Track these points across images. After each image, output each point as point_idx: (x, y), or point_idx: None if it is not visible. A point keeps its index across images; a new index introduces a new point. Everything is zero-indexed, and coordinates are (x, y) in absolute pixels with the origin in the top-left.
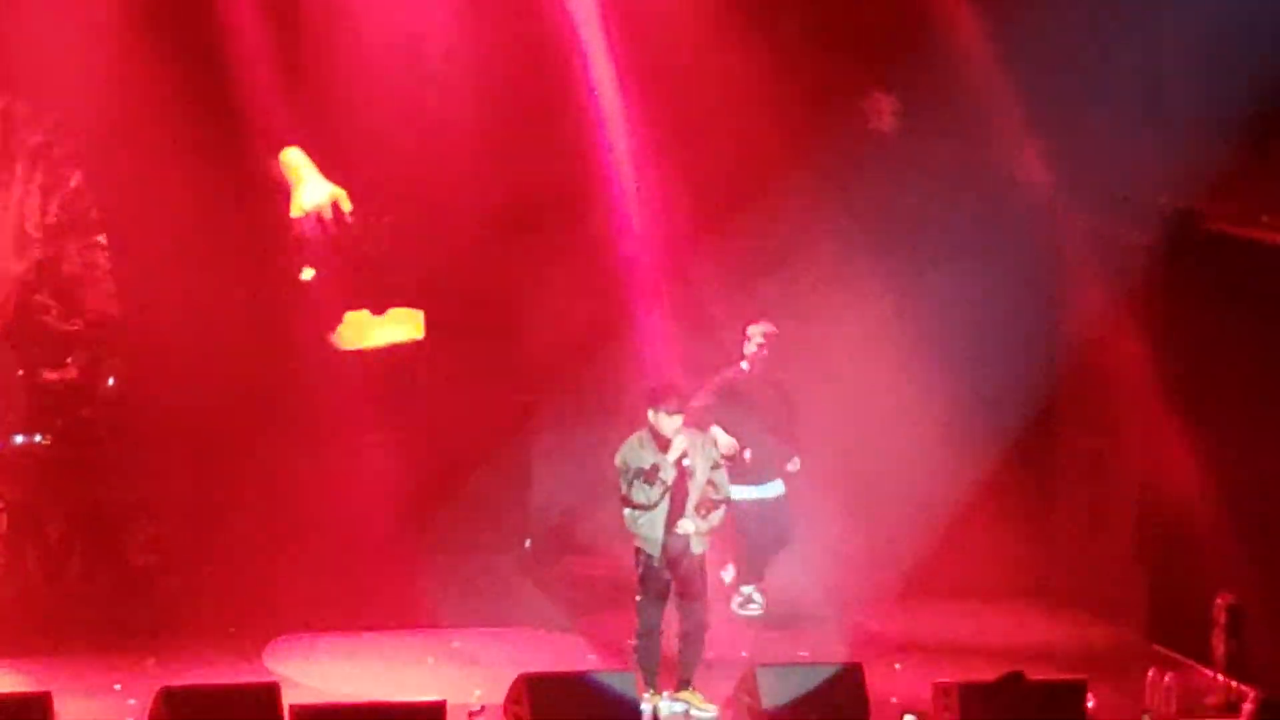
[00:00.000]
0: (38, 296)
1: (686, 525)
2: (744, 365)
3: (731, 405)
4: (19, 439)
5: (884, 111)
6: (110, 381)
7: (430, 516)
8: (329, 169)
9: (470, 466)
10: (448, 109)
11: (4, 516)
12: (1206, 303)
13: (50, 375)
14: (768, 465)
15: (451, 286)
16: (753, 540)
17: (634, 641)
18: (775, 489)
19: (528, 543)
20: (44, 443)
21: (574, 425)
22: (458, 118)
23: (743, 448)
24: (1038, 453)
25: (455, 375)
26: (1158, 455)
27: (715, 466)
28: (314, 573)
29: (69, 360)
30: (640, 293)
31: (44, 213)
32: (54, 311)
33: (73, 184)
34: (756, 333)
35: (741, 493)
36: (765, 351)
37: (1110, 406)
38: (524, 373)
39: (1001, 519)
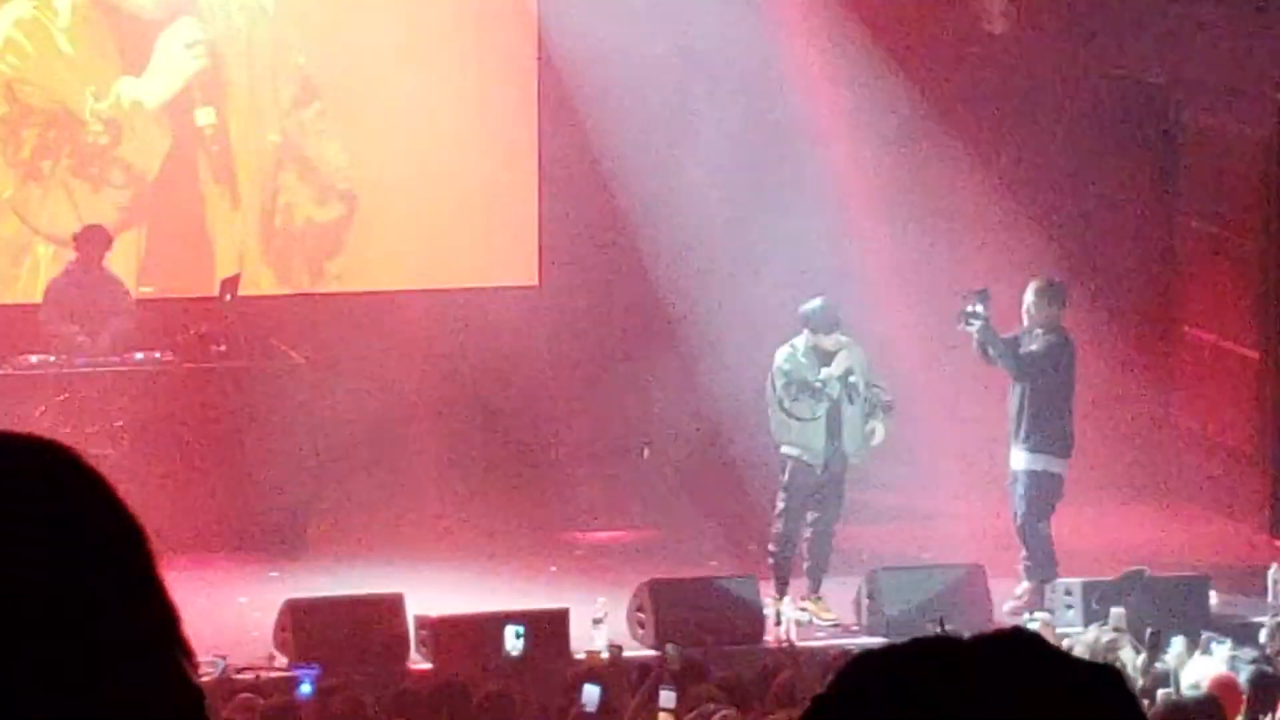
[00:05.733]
0: None
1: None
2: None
3: None
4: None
5: (994, 11)
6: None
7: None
8: None
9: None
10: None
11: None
12: None
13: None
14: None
15: None
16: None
17: (771, 546)
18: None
19: (645, 451)
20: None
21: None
22: None
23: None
24: (1154, 349)
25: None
26: (1276, 349)
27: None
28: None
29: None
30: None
31: None
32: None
33: None
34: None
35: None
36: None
37: (1226, 300)
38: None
39: (1118, 417)
